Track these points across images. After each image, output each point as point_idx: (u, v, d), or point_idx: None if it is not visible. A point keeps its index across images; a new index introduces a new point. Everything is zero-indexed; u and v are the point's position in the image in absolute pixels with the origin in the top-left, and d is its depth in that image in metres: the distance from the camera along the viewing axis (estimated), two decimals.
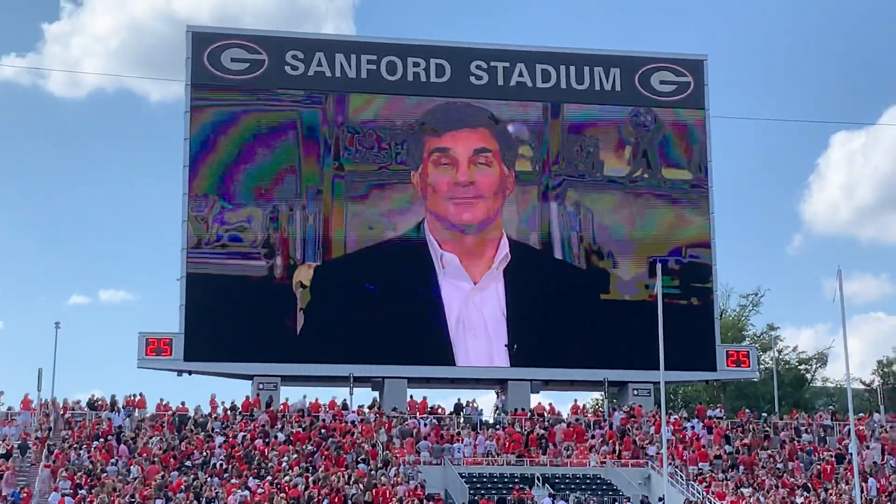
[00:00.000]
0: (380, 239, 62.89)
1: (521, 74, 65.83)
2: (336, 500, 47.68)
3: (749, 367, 65.56)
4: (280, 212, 62.21)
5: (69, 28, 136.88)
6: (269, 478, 49.18)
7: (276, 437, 54.07)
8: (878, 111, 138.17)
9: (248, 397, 59.77)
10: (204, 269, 61.05)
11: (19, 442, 52.65)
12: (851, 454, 51.74)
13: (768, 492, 52.00)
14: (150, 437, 53.09)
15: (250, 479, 49.04)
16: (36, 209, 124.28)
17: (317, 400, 59.31)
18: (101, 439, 52.84)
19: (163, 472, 49.14)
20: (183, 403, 57.43)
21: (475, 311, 62.60)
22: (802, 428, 61.06)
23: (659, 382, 51.87)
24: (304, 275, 61.64)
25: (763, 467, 55.28)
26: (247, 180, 62.49)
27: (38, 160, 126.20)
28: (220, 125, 62.86)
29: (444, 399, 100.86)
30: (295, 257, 61.76)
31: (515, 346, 62.63)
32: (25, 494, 47.41)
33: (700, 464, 55.46)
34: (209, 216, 61.63)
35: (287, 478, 49.09)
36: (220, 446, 52.64)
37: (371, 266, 62.48)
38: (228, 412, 57.37)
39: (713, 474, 54.15)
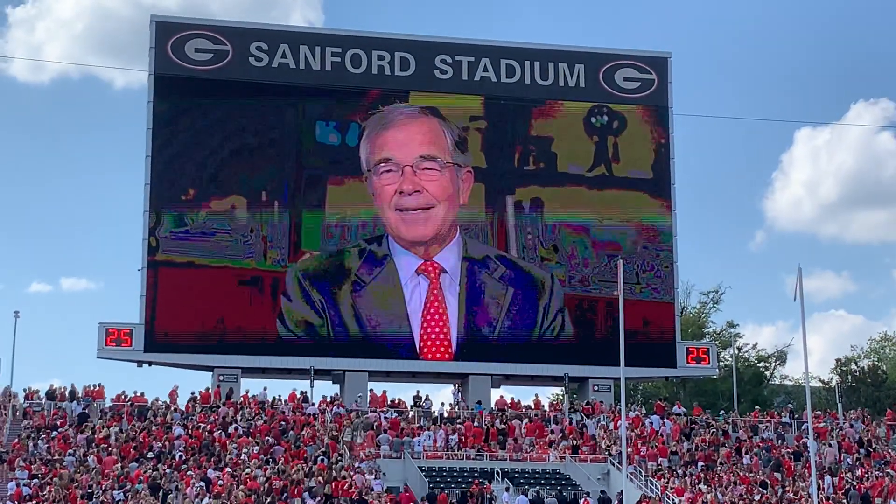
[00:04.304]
0: (345, 237, 62.72)
1: (485, 69, 65.82)
2: (295, 492, 47.64)
3: (709, 363, 65.90)
4: (246, 206, 62.00)
5: (34, 12, 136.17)
6: (229, 469, 49.06)
7: (235, 429, 53.88)
8: (843, 108, 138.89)
9: (208, 389, 59.57)
10: (165, 260, 60.76)
11: None
12: (809, 451, 52.03)
13: (726, 488, 52.25)
14: (109, 428, 52.82)
15: (209, 470, 48.90)
16: None
17: (272, 399, 58.96)
18: (60, 429, 52.55)
19: (121, 463, 48.93)
20: (142, 394, 57.27)
21: (436, 305, 62.58)
22: (761, 426, 61.38)
23: (619, 378, 52.01)
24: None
25: (721, 464, 55.52)
26: (212, 173, 62.31)
27: None
28: (184, 120, 62.77)
29: (404, 393, 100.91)
30: (260, 252, 61.63)
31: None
32: None
33: (660, 459, 55.67)
34: (172, 206, 61.30)
35: (247, 470, 48.96)
36: (178, 438, 52.43)
37: (333, 263, 62.35)
38: (189, 404, 57.15)
39: (672, 470, 54.34)
